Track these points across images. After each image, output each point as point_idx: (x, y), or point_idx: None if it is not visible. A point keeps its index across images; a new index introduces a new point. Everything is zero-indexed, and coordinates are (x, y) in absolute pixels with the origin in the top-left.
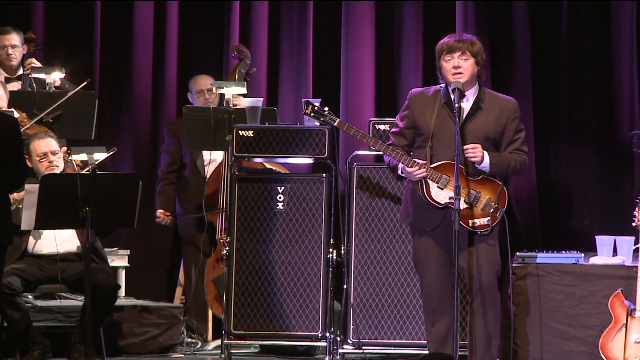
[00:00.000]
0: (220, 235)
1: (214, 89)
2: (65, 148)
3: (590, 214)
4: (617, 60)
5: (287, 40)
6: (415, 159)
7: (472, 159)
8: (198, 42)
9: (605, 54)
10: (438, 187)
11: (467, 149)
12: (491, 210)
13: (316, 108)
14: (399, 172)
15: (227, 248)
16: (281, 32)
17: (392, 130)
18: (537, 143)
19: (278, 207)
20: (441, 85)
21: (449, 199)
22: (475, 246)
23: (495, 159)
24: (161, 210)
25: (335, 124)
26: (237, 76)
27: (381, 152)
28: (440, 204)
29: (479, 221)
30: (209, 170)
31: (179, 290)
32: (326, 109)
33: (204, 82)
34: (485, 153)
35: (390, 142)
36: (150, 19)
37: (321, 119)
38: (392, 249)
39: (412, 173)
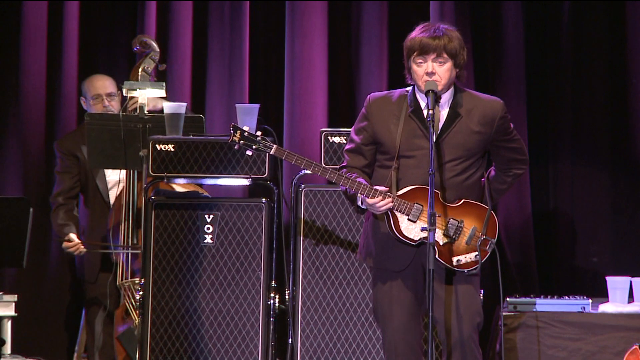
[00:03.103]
0: (123, 279)
1: (123, 91)
2: None
3: (599, 250)
4: (633, 64)
5: (216, 35)
6: (376, 187)
7: None
8: (104, 44)
9: (619, 57)
10: (409, 219)
11: None
12: (479, 243)
13: (246, 134)
14: (359, 202)
15: (141, 292)
16: (209, 27)
17: (347, 147)
18: (533, 160)
19: (206, 241)
20: (407, 89)
21: (423, 231)
22: (454, 289)
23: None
24: (73, 235)
25: (272, 152)
26: (139, 75)
27: (334, 182)
28: (414, 241)
29: (465, 258)
30: (114, 195)
31: (80, 347)
32: (259, 134)
33: (102, 84)
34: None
35: (344, 164)
36: (43, 21)
37: (254, 148)
38: (350, 293)
39: (374, 205)
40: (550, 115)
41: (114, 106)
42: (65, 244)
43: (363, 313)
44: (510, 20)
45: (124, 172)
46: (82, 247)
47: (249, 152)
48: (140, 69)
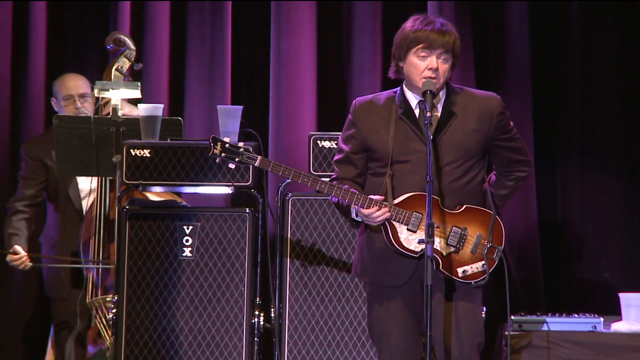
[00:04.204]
0: (93, 296)
1: (95, 92)
2: None
3: (612, 264)
4: None
5: (195, 32)
6: (371, 197)
7: None
8: (74, 45)
9: (632, 56)
10: (408, 229)
11: None
12: (485, 252)
13: (227, 146)
14: (354, 215)
15: (114, 310)
16: (188, 25)
17: (336, 157)
18: (539, 166)
19: (184, 254)
20: (395, 90)
21: (421, 243)
22: (454, 305)
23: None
24: (19, 247)
25: (257, 163)
26: (112, 75)
27: (325, 193)
28: (415, 253)
29: (471, 268)
30: (86, 205)
31: None
32: (241, 144)
33: (75, 84)
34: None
35: (334, 176)
36: (8, 21)
37: (236, 160)
38: (341, 311)
39: (370, 216)
40: (557, 117)
41: (87, 108)
42: (9, 257)
43: (355, 332)
44: (514, 19)
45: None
46: (28, 260)
47: (231, 165)
48: (113, 69)
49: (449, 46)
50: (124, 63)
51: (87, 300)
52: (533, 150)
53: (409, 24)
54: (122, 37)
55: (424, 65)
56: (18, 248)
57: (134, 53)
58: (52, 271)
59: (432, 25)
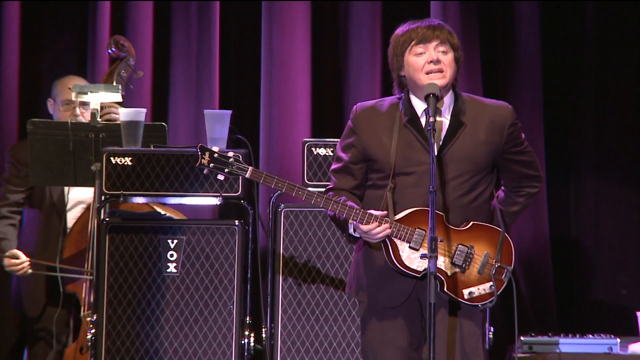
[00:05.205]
0: (87, 310)
1: (72, 95)
2: None
3: (629, 281)
4: None
5: (181, 32)
6: (371, 212)
7: None
8: (50, 48)
9: None
10: (410, 247)
11: None
12: (493, 272)
13: (216, 155)
14: (351, 230)
15: (92, 330)
16: (173, 25)
17: (333, 166)
18: (551, 178)
19: (169, 270)
20: (399, 96)
21: (423, 258)
22: (454, 326)
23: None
24: (19, 252)
25: (248, 175)
26: (114, 81)
27: (321, 207)
28: (418, 272)
29: (478, 290)
30: (71, 217)
31: None
32: (231, 154)
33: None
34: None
35: (331, 186)
36: None
37: (226, 171)
38: (338, 331)
39: (369, 232)
40: (570, 125)
41: (86, 118)
42: (7, 261)
43: (353, 354)
44: (524, 20)
45: (86, 190)
46: (29, 267)
47: (220, 177)
48: (115, 74)
49: (444, 38)
50: (126, 69)
51: (80, 314)
52: (544, 161)
53: (397, 31)
54: (125, 42)
55: (423, 60)
56: (19, 252)
57: (135, 60)
58: (24, 285)
59: (420, 23)
